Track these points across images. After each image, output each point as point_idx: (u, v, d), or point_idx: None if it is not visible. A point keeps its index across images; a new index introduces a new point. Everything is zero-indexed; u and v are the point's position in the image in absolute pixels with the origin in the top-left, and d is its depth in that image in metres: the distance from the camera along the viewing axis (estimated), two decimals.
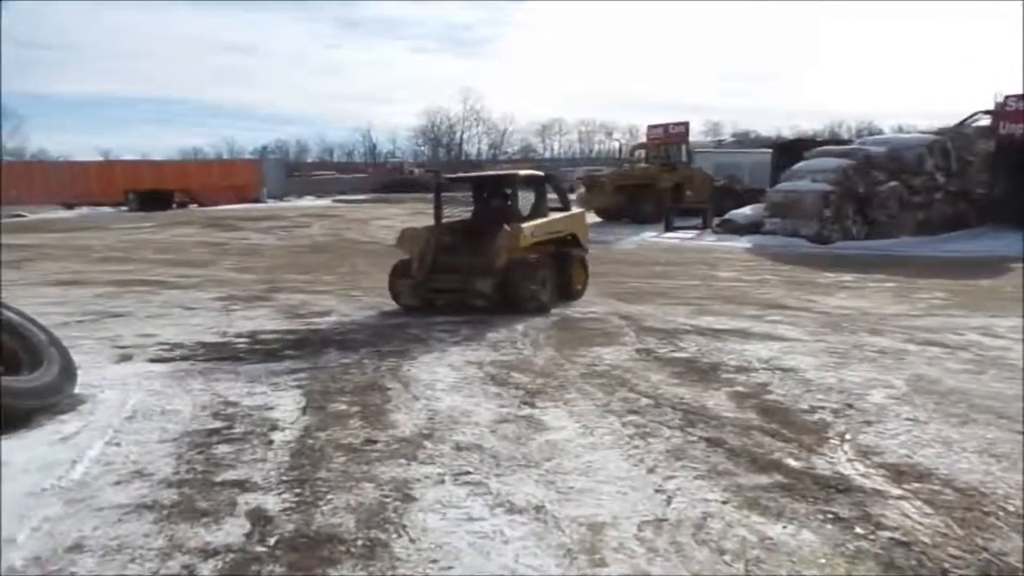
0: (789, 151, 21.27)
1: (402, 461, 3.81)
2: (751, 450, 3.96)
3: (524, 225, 8.08)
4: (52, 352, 4.81)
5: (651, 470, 3.69)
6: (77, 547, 2.90)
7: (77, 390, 4.84)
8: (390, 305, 8.50)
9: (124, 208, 29.10)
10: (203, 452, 3.92)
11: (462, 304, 7.84)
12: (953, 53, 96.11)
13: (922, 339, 6.77)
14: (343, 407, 4.73)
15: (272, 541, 2.96)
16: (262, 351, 6.26)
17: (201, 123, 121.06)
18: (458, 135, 75.59)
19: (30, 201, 27.94)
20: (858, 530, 3.06)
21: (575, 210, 9.86)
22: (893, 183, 16.92)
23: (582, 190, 25.04)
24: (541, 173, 9.86)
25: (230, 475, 3.61)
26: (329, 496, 3.38)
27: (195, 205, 31.15)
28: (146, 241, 17.21)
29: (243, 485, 3.49)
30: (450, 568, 2.77)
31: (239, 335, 6.87)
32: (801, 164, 17.92)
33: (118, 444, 4.03)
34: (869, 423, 4.41)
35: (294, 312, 8.13)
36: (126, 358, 5.99)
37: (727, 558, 2.84)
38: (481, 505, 3.30)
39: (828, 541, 2.97)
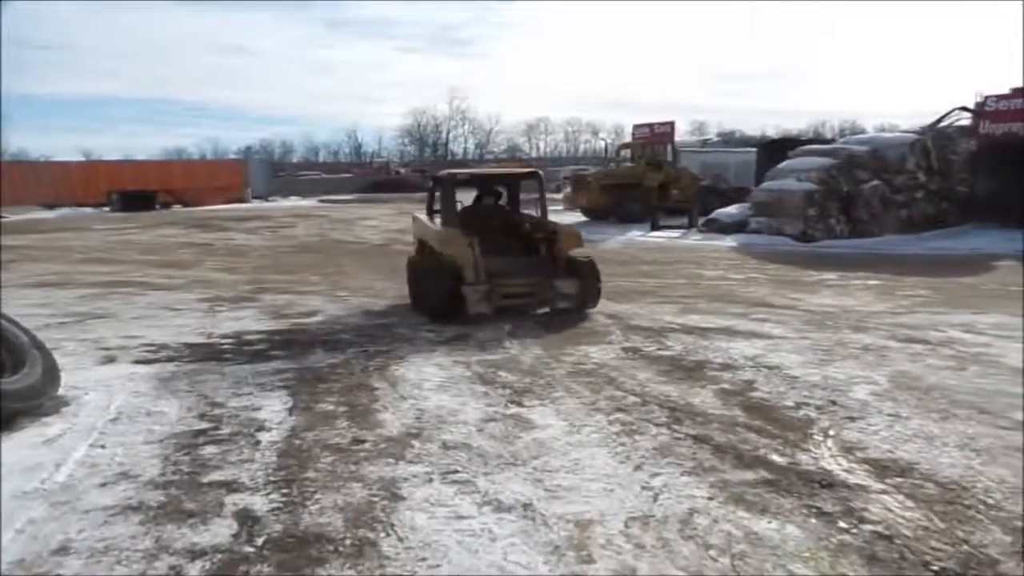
0: (774, 150, 21.41)
1: (390, 460, 3.82)
2: (737, 446, 4.00)
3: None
4: (35, 354, 4.77)
5: (638, 467, 3.72)
6: (63, 550, 2.89)
7: (60, 392, 4.81)
8: (376, 305, 8.50)
9: (106, 209, 28.80)
10: (189, 453, 3.91)
11: (536, 307, 7.68)
12: (935, 53, 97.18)
13: (904, 336, 6.84)
14: (330, 407, 4.72)
15: (260, 541, 2.95)
16: (248, 352, 6.23)
17: (185, 123, 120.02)
18: (444, 135, 75.48)
19: (10, 202, 27.57)
20: (842, 524, 3.10)
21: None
22: (876, 182, 17.08)
23: (568, 189, 25.11)
24: (536, 170, 9.78)
25: (217, 476, 3.60)
26: (317, 496, 3.38)
27: (179, 206, 30.89)
28: (130, 242, 17.05)
29: (230, 486, 3.48)
30: (439, 566, 2.78)
31: (225, 336, 6.84)
32: (785, 163, 18.05)
33: (103, 446, 4.00)
34: (852, 419, 4.47)
35: (280, 313, 8.09)
36: (110, 360, 5.95)
37: (713, 553, 2.87)
38: (469, 503, 3.31)
39: (812, 535, 3.00)
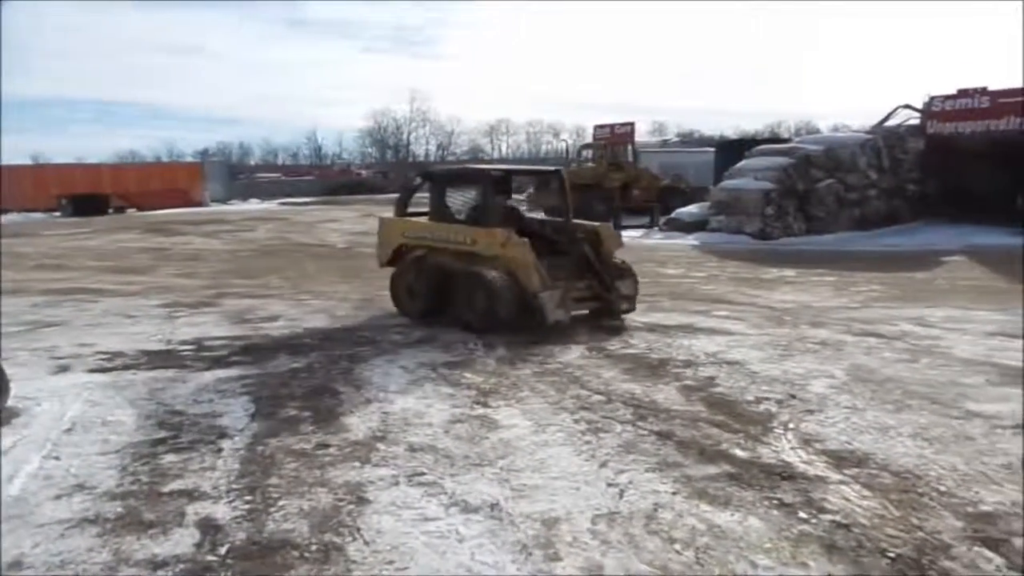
0: (731, 150, 21.79)
1: (355, 464, 3.79)
2: (700, 442, 4.06)
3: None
4: None
5: (603, 464, 3.75)
6: (17, 564, 2.80)
7: (11, 403, 4.65)
8: (340, 309, 8.41)
9: (57, 214, 27.97)
10: (148, 463, 3.82)
11: (600, 312, 7.28)
12: (888, 53, 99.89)
13: (860, 330, 7.03)
14: (294, 412, 4.66)
15: (223, 550, 2.91)
16: (209, 358, 6.11)
17: (139, 125, 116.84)
18: (405, 136, 74.99)
19: None
20: (802, 514, 3.17)
21: None
22: (830, 180, 17.49)
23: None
24: (559, 168, 9.25)
25: (178, 485, 3.53)
26: (281, 502, 3.34)
27: (134, 210, 30.12)
28: (82, 248, 16.59)
29: (192, 495, 3.42)
30: (406, 568, 2.77)
31: (184, 342, 6.70)
32: (743, 163, 18.38)
33: (57, 457, 3.89)
34: (811, 412, 4.57)
35: (241, 317, 7.96)
36: (64, 369, 5.78)
37: (678, 547, 2.91)
38: (436, 505, 3.30)
39: (773, 526, 3.07)
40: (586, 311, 7.19)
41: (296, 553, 2.88)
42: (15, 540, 2.99)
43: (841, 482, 3.52)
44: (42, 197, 29.87)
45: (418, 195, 8.75)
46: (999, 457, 3.81)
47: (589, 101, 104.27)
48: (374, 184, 46.09)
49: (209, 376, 5.52)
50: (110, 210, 29.07)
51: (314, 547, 2.92)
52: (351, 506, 3.29)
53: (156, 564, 2.80)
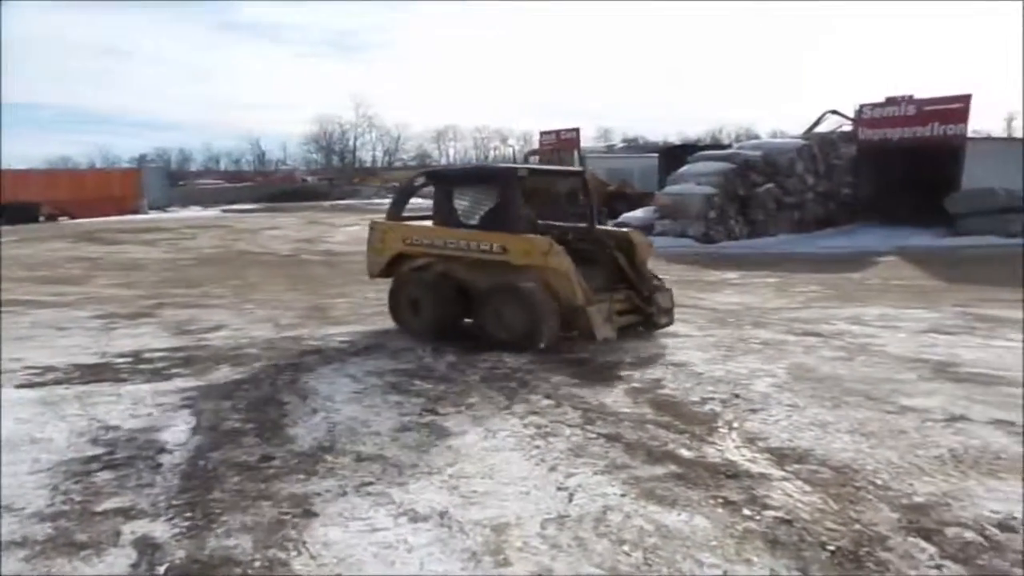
0: (675, 156, 22.24)
1: (301, 476, 3.70)
2: (647, 443, 4.11)
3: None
4: None
5: (552, 468, 3.76)
6: None
7: None
8: (285, 317, 8.24)
9: None
10: (81, 481, 3.66)
11: (643, 327, 6.88)
12: (822, 60, 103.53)
13: (800, 330, 7.24)
14: (237, 424, 4.54)
15: (161, 569, 2.80)
16: (147, 371, 5.90)
17: (71, 130, 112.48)
18: (351, 142, 74.14)
19: None
20: (746, 512, 3.24)
21: None
22: (769, 185, 18.03)
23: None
24: (581, 170, 8.54)
25: (113, 503, 3.39)
26: (224, 518, 3.24)
27: (66, 218, 28.95)
28: (10, 257, 15.84)
29: (128, 513, 3.29)
30: None
31: (121, 355, 6.45)
32: (686, 168, 18.79)
33: None
34: (754, 411, 4.68)
35: (182, 328, 7.72)
36: None
37: (626, 548, 2.93)
38: (384, 515, 3.26)
39: (719, 524, 3.13)
40: (628, 324, 6.69)
41: (239, 570, 2.80)
42: None
43: (783, 478, 3.61)
44: None
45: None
46: (931, 450, 3.97)
47: (536, 107, 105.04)
48: (320, 190, 45.44)
49: (148, 389, 5.33)
50: (40, 218, 27.89)
51: (258, 563, 2.85)
52: (297, 519, 3.22)
53: None
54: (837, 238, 17.72)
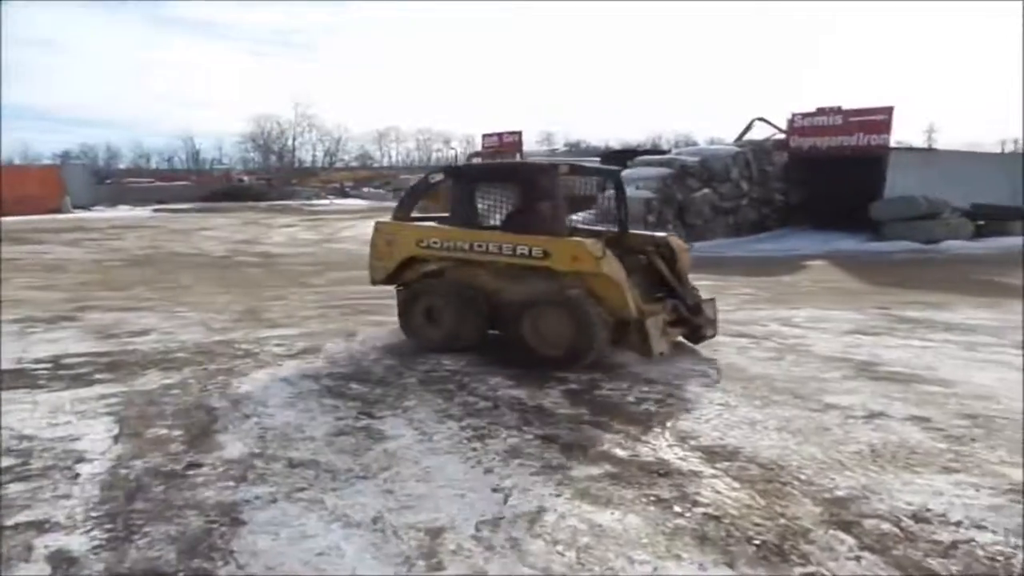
0: (615, 160, 22.53)
1: (230, 484, 3.60)
2: (583, 443, 4.16)
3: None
4: None
5: (488, 470, 3.76)
6: None
7: None
8: (218, 321, 8.00)
9: None
10: None
11: (692, 340, 6.43)
12: (755, 71, 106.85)
13: (733, 331, 7.43)
14: (163, 431, 4.38)
15: None
16: (67, 376, 5.64)
17: None
18: (290, 141, 72.65)
19: None
20: (676, 509, 3.31)
21: None
22: (706, 190, 18.49)
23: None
24: (617, 168, 7.58)
25: (24, 517, 3.22)
26: (146, 528, 3.12)
27: None
28: None
29: (41, 526, 3.13)
30: None
31: (38, 360, 6.14)
32: (626, 172, 19.03)
33: None
34: (688, 410, 4.78)
35: (107, 333, 7.40)
36: None
37: (560, 548, 2.96)
38: (316, 521, 3.20)
39: (650, 522, 3.18)
40: (676, 337, 6.24)
41: None
42: None
43: (713, 476, 3.70)
44: None
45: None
46: (852, 445, 4.13)
47: (479, 110, 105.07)
48: (257, 191, 44.29)
49: (67, 396, 5.09)
50: None
51: (182, 574, 2.75)
52: (224, 528, 3.13)
53: None
54: (770, 242, 18.30)
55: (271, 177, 52.87)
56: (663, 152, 25.41)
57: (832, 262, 14.81)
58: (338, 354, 6.36)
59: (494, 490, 3.51)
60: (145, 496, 3.45)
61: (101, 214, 30.97)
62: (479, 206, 6.49)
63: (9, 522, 3.17)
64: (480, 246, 6.10)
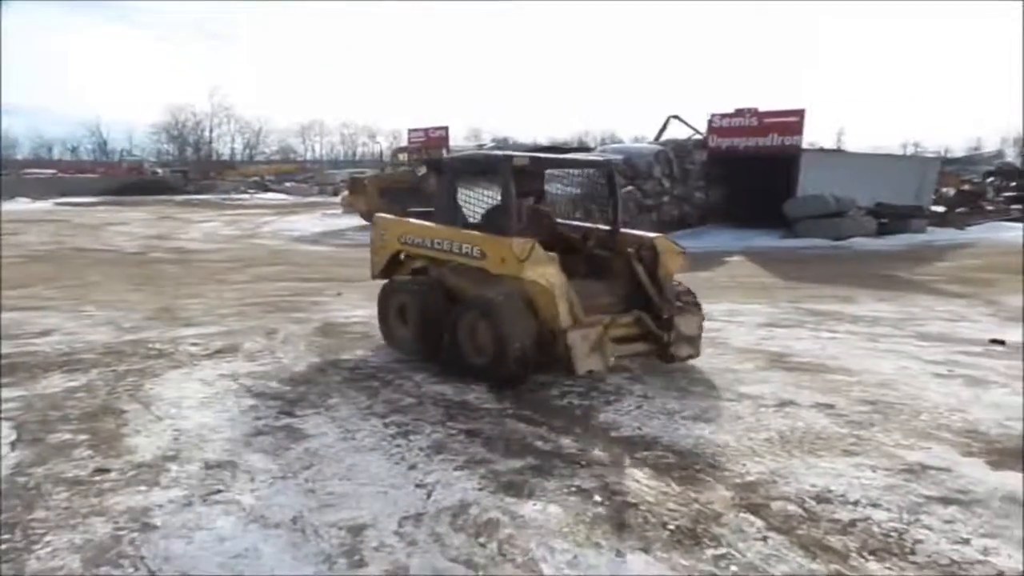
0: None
1: (141, 488, 3.46)
2: (507, 437, 4.20)
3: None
4: None
5: (412, 467, 3.75)
6: None
7: None
8: (129, 320, 7.65)
9: None
10: None
11: (659, 358, 5.60)
12: (682, 70, 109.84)
13: None
14: (67, 436, 4.17)
15: None
16: None
17: None
18: (207, 133, 69.99)
19: None
20: (596, 498, 3.39)
21: None
22: (629, 187, 18.88)
23: (346, 193, 24.63)
24: (608, 159, 6.96)
25: None
26: (48, 537, 2.97)
27: None
28: None
29: None
30: None
31: None
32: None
33: None
34: (609, 403, 4.89)
35: (4, 333, 6.97)
36: None
37: (483, 540, 2.99)
38: (233, 523, 3.12)
39: (571, 512, 3.25)
40: (632, 354, 5.49)
41: None
42: None
43: (632, 465, 3.80)
44: None
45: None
46: (763, 432, 4.32)
47: (405, 105, 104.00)
48: (172, 184, 42.50)
49: None
50: None
51: None
52: (134, 534, 3.01)
53: None
54: (691, 238, 18.81)
55: (187, 169, 50.80)
56: (589, 149, 25.83)
57: (748, 258, 15.40)
58: (257, 352, 6.19)
59: (417, 486, 3.51)
60: (47, 504, 3.28)
61: None
62: (465, 202, 6.04)
63: None
64: (440, 243, 5.77)
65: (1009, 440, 4.23)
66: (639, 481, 3.59)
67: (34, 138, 74.37)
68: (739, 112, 20.44)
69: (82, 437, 4.15)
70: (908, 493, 3.49)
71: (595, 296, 5.35)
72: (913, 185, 20.68)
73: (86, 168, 53.54)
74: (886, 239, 17.74)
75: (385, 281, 6.47)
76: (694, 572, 2.80)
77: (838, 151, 35.46)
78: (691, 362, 5.90)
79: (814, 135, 45.71)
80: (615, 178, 6.18)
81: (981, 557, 2.94)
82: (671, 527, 3.12)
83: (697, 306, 5.87)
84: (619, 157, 19.51)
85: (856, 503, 3.38)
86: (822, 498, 3.43)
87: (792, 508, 3.32)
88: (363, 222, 22.05)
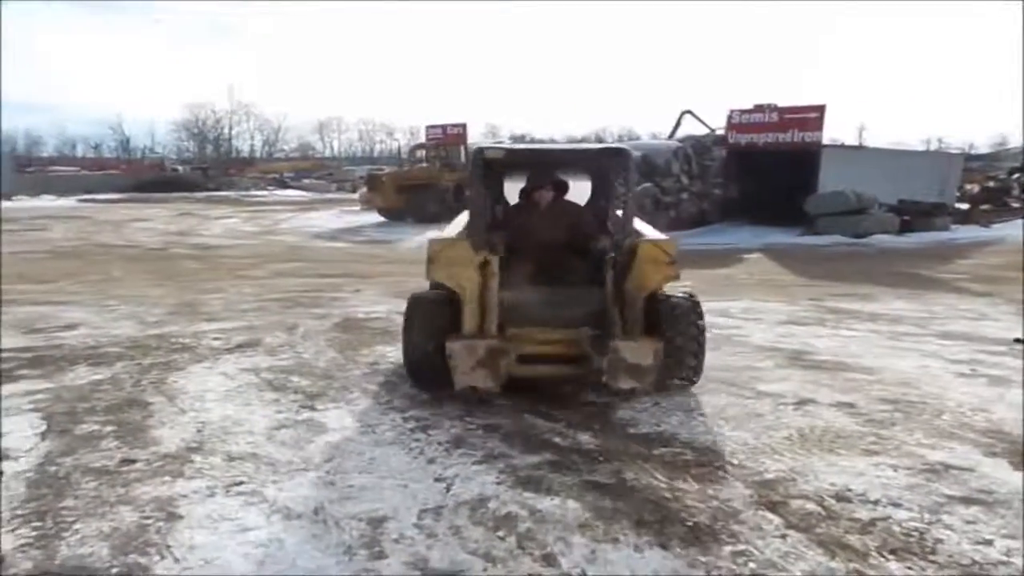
0: None
1: (166, 479, 3.53)
2: (525, 432, 4.22)
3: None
4: None
5: (431, 461, 3.79)
6: None
7: None
8: (152, 314, 7.77)
9: None
10: None
11: (591, 379, 4.73)
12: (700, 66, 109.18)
13: None
14: (95, 427, 4.25)
15: None
16: None
17: None
18: (227, 130, 70.56)
19: None
20: (615, 494, 3.40)
21: None
22: (647, 184, 18.81)
23: (364, 189, 24.75)
24: (623, 146, 5.35)
25: None
26: (77, 526, 3.04)
27: None
28: None
29: None
30: None
31: None
32: None
33: None
34: (626, 399, 4.86)
35: (31, 327, 7.10)
36: None
37: (501, 533, 3.01)
38: (256, 514, 3.17)
39: (590, 507, 3.26)
40: (551, 376, 4.90)
41: None
42: None
43: (650, 461, 3.81)
44: None
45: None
46: (782, 431, 4.30)
47: (424, 102, 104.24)
48: (192, 181, 42.94)
49: None
50: None
51: (115, 570, 2.70)
52: (160, 523, 3.07)
53: None
54: (709, 236, 18.75)
55: (207, 167, 51.31)
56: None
57: (768, 255, 15.29)
58: (278, 347, 6.27)
59: (437, 479, 3.54)
60: (75, 493, 3.35)
61: (21, 203, 29.54)
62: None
63: None
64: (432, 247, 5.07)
65: None
66: (657, 477, 3.60)
67: (59, 135, 75.50)
68: (759, 108, 20.28)
69: (109, 428, 4.23)
70: (930, 493, 3.47)
71: (554, 306, 4.82)
72: (936, 182, 20.40)
73: (109, 165, 54.29)
74: (908, 236, 17.51)
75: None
76: (712, 569, 2.80)
77: (859, 147, 35.03)
78: (708, 360, 5.39)
79: (835, 131, 45.13)
80: (631, 168, 5.10)
81: (1004, 558, 2.91)
82: (689, 523, 3.12)
83: (661, 332, 4.74)
84: (636, 154, 19.44)
85: (876, 502, 3.36)
86: (842, 497, 3.42)
87: (811, 506, 3.31)
88: (381, 219, 22.21)
